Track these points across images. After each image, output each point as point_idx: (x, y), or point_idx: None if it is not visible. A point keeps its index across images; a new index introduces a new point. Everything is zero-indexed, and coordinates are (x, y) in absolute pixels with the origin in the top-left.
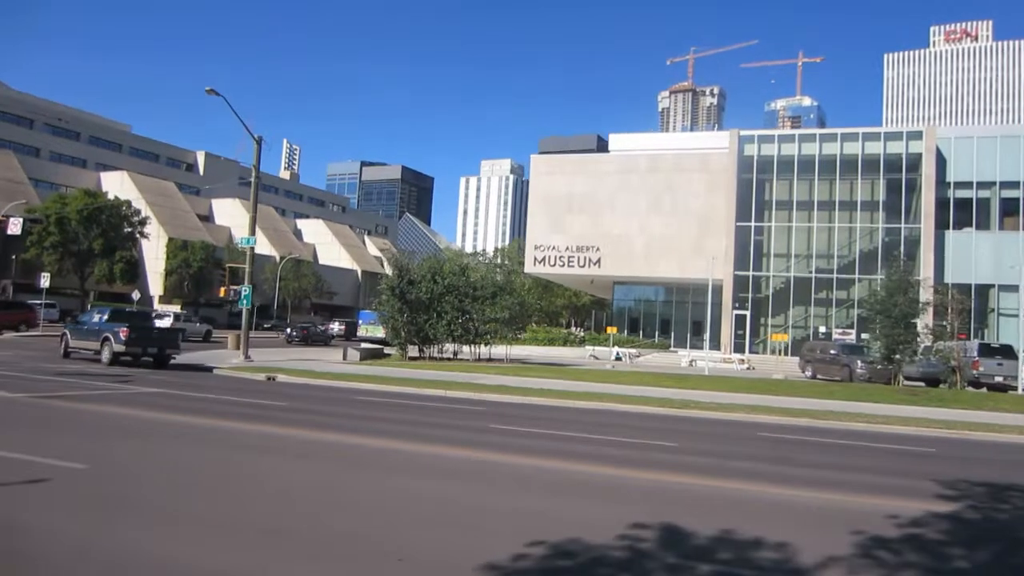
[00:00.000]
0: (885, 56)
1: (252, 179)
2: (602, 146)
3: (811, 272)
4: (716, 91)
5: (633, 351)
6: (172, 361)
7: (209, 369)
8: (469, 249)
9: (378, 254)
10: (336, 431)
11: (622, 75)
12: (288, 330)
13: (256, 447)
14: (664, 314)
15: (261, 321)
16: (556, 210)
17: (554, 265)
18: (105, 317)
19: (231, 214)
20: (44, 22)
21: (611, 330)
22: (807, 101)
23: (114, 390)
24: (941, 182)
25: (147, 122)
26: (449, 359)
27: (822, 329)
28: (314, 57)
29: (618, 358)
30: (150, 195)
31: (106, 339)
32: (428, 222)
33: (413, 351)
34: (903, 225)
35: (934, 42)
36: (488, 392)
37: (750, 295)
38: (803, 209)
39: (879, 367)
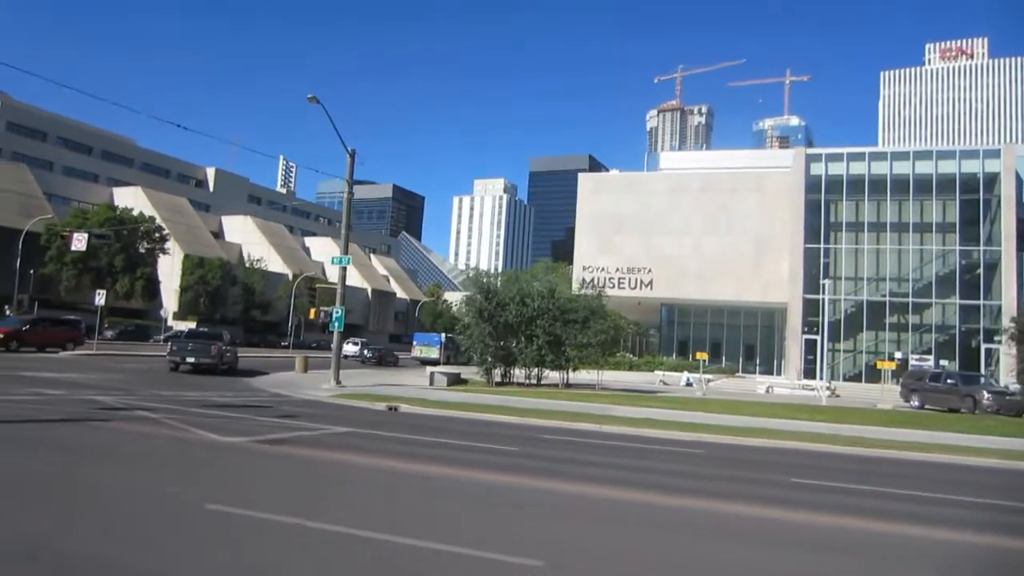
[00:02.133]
0: (881, 74)
1: (345, 194)
2: (595, 166)
3: (884, 296)
4: (704, 110)
5: (706, 376)
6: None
7: (300, 396)
8: (462, 267)
9: (385, 272)
10: (577, 481)
11: (610, 94)
12: (364, 352)
13: (620, 516)
14: (715, 338)
15: (277, 340)
16: (604, 230)
17: (603, 287)
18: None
19: (241, 231)
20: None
21: (701, 355)
22: (795, 120)
23: (289, 426)
24: (1020, 203)
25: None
26: (533, 384)
27: (897, 355)
28: (303, 75)
29: (689, 384)
30: (164, 211)
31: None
32: (419, 241)
33: (492, 375)
34: (981, 247)
35: (929, 59)
36: (645, 427)
37: (821, 319)
38: (873, 230)
39: (1008, 398)
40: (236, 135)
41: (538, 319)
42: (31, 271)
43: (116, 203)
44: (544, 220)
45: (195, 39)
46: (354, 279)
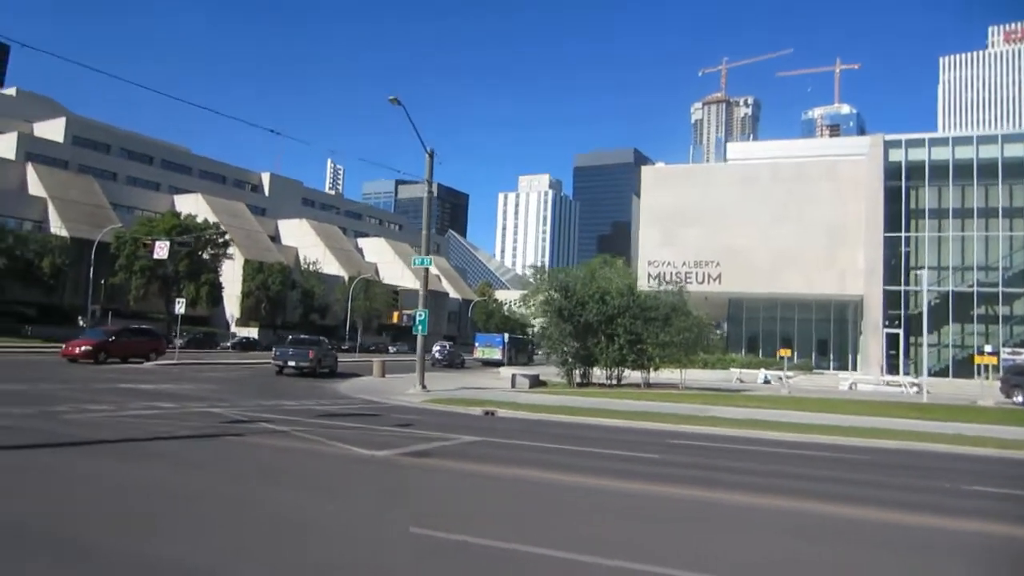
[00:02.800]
0: (940, 59)
1: (425, 194)
2: (640, 160)
3: (971, 286)
4: (750, 101)
5: (787, 374)
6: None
7: (392, 402)
8: (509, 264)
9: (436, 272)
10: (746, 491)
11: (655, 87)
12: (436, 354)
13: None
14: (785, 332)
15: (338, 344)
16: (669, 224)
17: (669, 282)
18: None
19: (297, 234)
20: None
21: (784, 352)
22: (846, 109)
23: (416, 436)
24: None
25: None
26: (614, 385)
27: (987, 348)
28: (345, 75)
29: (767, 381)
30: (224, 216)
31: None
32: (464, 238)
33: (573, 376)
34: None
35: (992, 42)
36: (760, 429)
37: (903, 311)
38: (957, 217)
39: None
40: (281, 138)
41: (619, 317)
42: (102, 281)
43: (177, 210)
44: (590, 215)
45: (228, 39)
46: (408, 280)
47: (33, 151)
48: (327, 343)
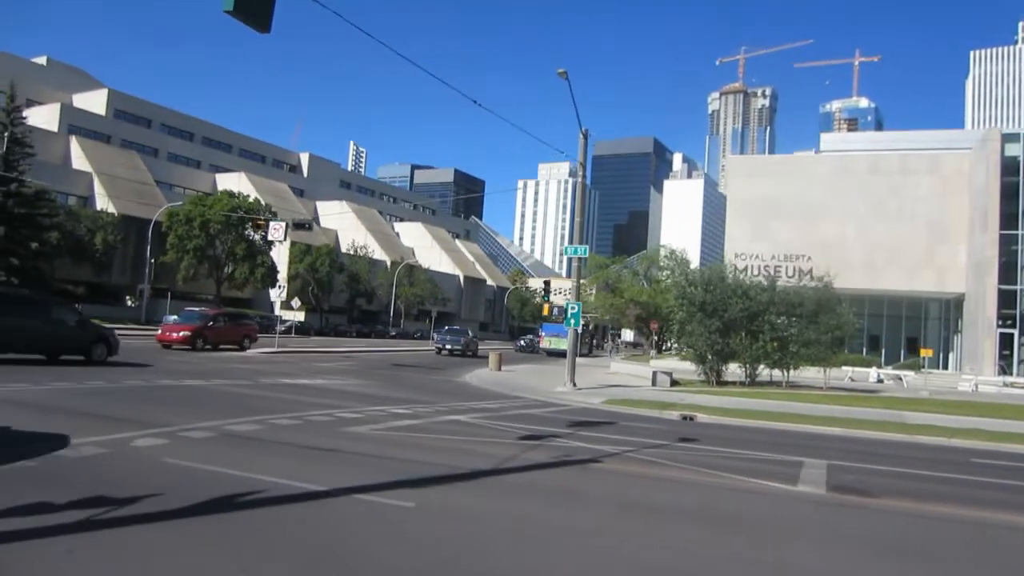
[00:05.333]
0: (971, 53)
1: (579, 177)
2: (659, 149)
3: None
4: (768, 92)
5: (906, 373)
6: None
7: (555, 400)
8: (528, 250)
9: (471, 258)
10: None
11: (673, 76)
12: (520, 342)
13: None
14: (872, 330)
15: (386, 330)
16: (759, 216)
17: (758, 275)
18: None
19: (337, 216)
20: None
21: (925, 352)
22: (864, 102)
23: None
24: None
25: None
26: (751, 383)
27: None
28: (360, 61)
29: (880, 380)
30: (267, 196)
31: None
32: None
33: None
34: None
35: (1023, 38)
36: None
37: (1017, 311)
38: None
39: None
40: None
41: (763, 314)
42: (151, 260)
43: (219, 188)
44: (607, 204)
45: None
46: (445, 265)
47: (75, 123)
48: (470, 333)
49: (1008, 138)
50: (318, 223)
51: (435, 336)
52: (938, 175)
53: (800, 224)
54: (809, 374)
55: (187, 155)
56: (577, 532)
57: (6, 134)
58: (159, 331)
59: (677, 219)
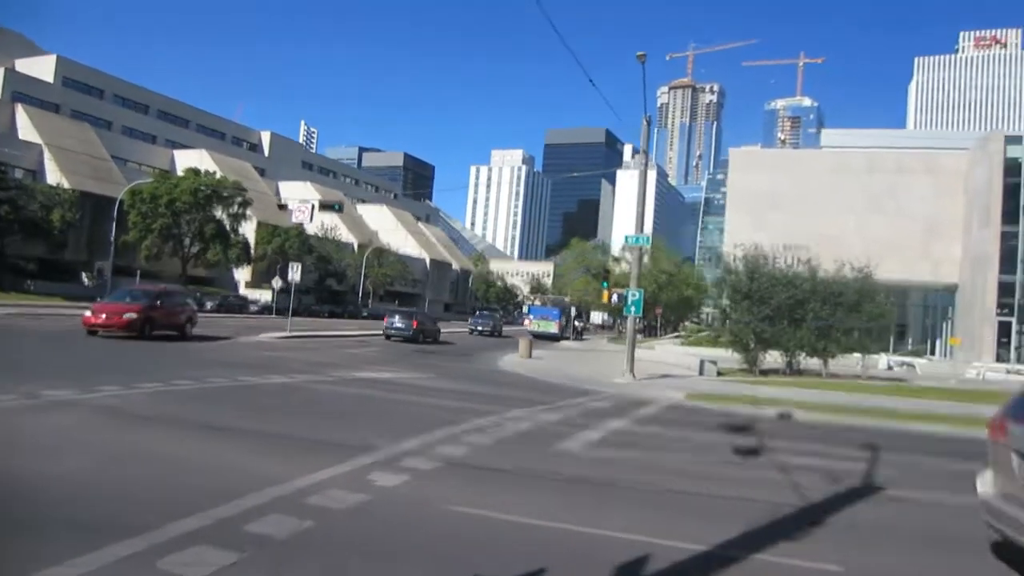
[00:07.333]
0: (916, 60)
1: (643, 166)
2: (610, 139)
3: None
4: (716, 88)
5: (916, 360)
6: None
7: (627, 393)
8: (480, 234)
9: (435, 240)
10: None
11: (624, 68)
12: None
13: None
14: None
15: (358, 311)
16: (758, 207)
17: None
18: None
19: (300, 198)
20: None
21: (954, 341)
22: (807, 102)
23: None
24: None
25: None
26: (791, 372)
27: None
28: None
29: (890, 368)
30: (230, 176)
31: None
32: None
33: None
34: None
35: (963, 47)
36: None
37: (1016, 300)
38: None
39: None
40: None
41: (808, 302)
42: (111, 238)
43: (177, 165)
44: (558, 192)
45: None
46: (411, 247)
47: (19, 90)
48: (500, 314)
49: (1011, 140)
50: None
51: (470, 319)
52: (935, 174)
53: (799, 218)
54: (840, 363)
55: (142, 129)
56: None
57: None
58: (87, 313)
59: (630, 208)
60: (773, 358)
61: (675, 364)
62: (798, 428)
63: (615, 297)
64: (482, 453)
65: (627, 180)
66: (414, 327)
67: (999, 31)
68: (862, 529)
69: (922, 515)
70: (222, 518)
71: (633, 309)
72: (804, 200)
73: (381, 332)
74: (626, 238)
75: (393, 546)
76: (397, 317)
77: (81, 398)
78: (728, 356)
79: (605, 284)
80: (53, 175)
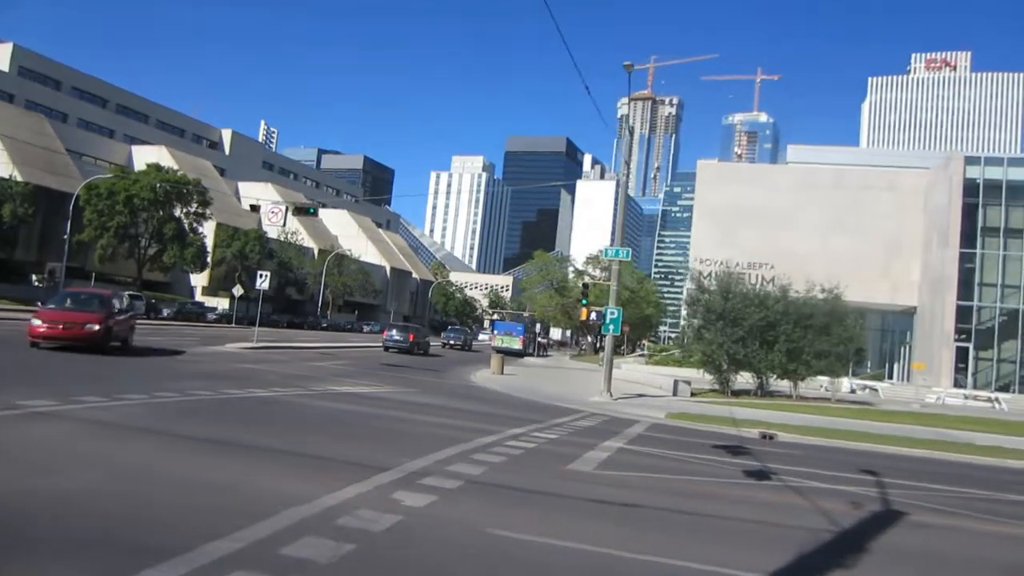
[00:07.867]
0: (869, 79)
1: (624, 176)
2: (571, 149)
3: None
4: (675, 101)
5: (878, 384)
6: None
7: (605, 412)
8: (439, 241)
9: (395, 248)
10: None
11: (586, 77)
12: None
13: None
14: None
15: (318, 321)
16: (725, 222)
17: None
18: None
19: (260, 199)
20: None
21: (918, 366)
22: (763, 117)
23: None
24: None
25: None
26: (762, 394)
27: None
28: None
29: (853, 391)
30: (190, 174)
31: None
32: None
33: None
34: None
35: (914, 68)
36: None
37: (972, 326)
38: None
39: None
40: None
41: (780, 324)
42: (64, 237)
43: (135, 161)
44: (518, 201)
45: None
46: (372, 255)
47: None
48: (471, 330)
49: (970, 161)
50: (254, 206)
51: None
52: (896, 192)
53: (765, 233)
54: (807, 385)
55: (100, 123)
56: None
57: None
58: (36, 321)
59: (589, 219)
60: (744, 379)
61: (645, 383)
62: (786, 449)
63: (593, 315)
64: (497, 472)
65: (587, 191)
66: (411, 339)
67: (949, 54)
68: (915, 556)
69: (961, 541)
70: (255, 540)
71: (612, 328)
72: (771, 216)
73: (355, 344)
74: (604, 251)
75: (454, 572)
76: (395, 331)
77: (63, 409)
78: (698, 376)
79: (584, 301)
80: (5, 167)
